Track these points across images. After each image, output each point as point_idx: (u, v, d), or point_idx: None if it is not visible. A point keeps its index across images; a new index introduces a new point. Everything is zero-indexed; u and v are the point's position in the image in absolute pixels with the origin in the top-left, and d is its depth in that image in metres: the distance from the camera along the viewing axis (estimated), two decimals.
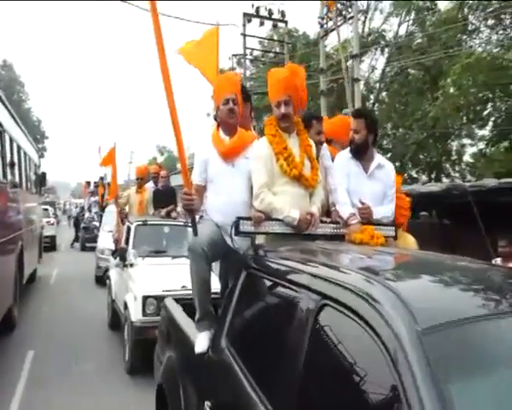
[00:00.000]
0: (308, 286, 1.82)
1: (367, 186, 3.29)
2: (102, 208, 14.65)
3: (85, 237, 18.13)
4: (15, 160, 8.10)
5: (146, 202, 8.25)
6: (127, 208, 8.51)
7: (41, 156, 15.44)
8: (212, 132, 3.30)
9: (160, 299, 5.30)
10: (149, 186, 8.63)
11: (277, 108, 3.00)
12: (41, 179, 12.83)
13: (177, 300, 3.64)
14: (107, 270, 9.58)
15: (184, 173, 2.85)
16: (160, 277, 5.97)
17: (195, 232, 2.83)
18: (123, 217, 8.20)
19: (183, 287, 5.45)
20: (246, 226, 2.75)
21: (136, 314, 5.50)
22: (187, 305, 3.40)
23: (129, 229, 7.18)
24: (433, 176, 20.36)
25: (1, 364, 6.02)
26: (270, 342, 2.06)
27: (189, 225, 7.05)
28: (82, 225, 18.77)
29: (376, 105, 21.59)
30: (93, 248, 13.36)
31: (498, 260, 5.33)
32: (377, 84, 22.06)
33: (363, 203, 3.18)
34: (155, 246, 7.06)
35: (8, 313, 6.62)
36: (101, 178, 17.08)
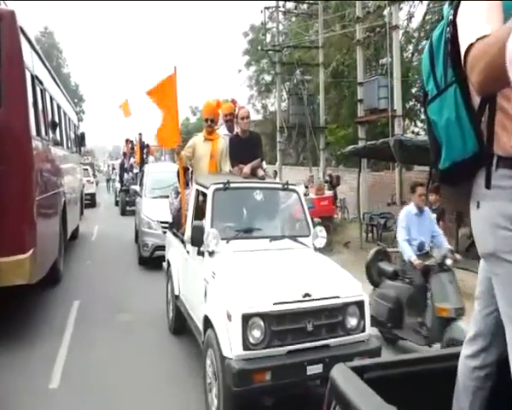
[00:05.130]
0: None
1: None
2: (141, 168, 14.31)
3: (126, 201, 16.47)
4: (56, 118, 8.31)
5: (220, 154, 5.74)
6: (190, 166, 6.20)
7: (80, 119, 15.73)
8: None
9: (270, 319, 3.42)
10: (222, 133, 6.06)
11: None
12: (80, 139, 13.19)
13: (360, 370, 1.63)
14: (156, 248, 8.50)
15: None
16: (263, 277, 3.86)
17: None
18: (188, 178, 6.31)
19: (307, 296, 3.56)
20: None
21: (232, 347, 3.37)
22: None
23: (200, 195, 4.98)
24: None
25: (50, 311, 6.43)
26: None
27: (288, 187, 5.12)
28: (122, 187, 17.31)
29: (415, 55, 20.71)
30: (134, 212, 12.44)
31: None
32: (416, 34, 21.08)
33: None
34: (244, 222, 4.74)
35: (54, 266, 6.96)
36: (140, 134, 16.93)
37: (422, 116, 20.78)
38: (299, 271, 4.08)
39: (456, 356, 1.76)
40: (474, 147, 1.53)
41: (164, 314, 5.97)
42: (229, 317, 3.43)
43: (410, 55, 20.46)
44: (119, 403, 4.07)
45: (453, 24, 1.51)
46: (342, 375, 1.57)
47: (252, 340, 3.36)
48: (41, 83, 6.86)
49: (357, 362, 1.75)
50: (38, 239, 5.43)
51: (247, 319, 3.36)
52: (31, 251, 5.20)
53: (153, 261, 8.65)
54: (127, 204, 16.37)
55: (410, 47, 21.41)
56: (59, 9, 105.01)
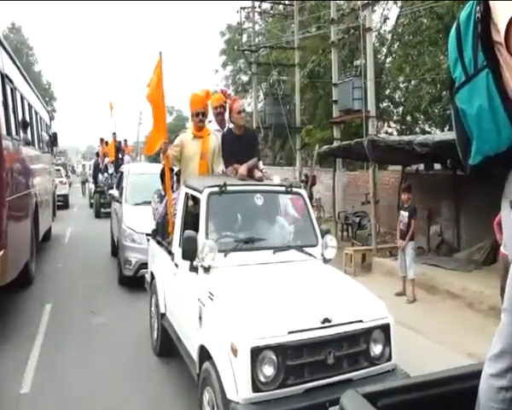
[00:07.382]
0: None
1: None
2: (117, 169, 13.95)
3: (100, 202, 15.89)
4: (27, 118, 8.15)
5: (211, 153, 5.06)
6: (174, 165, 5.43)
7: (52, 119, 15.44)
8: None
9: (284, 352, 2.84)
10: (213, 129, 5.34)
11: None
12: (53, 139, 12.96)
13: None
14: (141, 266, 6.92)
15: None
16: (272, 299, 3.26)
17: None
18: (173, 181, 5.48)
19: (326, 321, 3.00)
20: None
21: (239, 388, 2.79)
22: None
23: (190, 200, 4.41)
24: (446, 130, 20.04)
25: (21, 314, 6.30)
26: None
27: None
28: (96, 188, 16.78)
29: (388, 58, 21.05)
30: (109, 214, 11.75)
31: None
32: (389, 36, 21.43)
33: None
34: (244, 231, 4.06)
35: (25, 268, 6.83)
36: (114, 134, 16.60)
37: (395, 117, 21.18)
38: (312, 289, 3.49)
39: (479, 375, 1.52)
40: (510, 138, 1.33)
41: (140, 315, 5.90)
42: (234, 351, 2.82)
43: (383, 57, 20.78)
44: (91, 409, 4.01)
45: (484, 1, 1.33)
46: (353, 403, 1.39)
47: (262, 379, 2.78)
48: (11, 81, 6.73)
49: (369, 387, 1.51)
50: (9, 240, 5.34)
51: (256, 353, 2.77)
52: (1, 252, 5.11)
53: (137, 280, 6.93)
54: (102, 206, 15.94)
55: (384, 49, 21.76)
56: (26, 5, 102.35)
